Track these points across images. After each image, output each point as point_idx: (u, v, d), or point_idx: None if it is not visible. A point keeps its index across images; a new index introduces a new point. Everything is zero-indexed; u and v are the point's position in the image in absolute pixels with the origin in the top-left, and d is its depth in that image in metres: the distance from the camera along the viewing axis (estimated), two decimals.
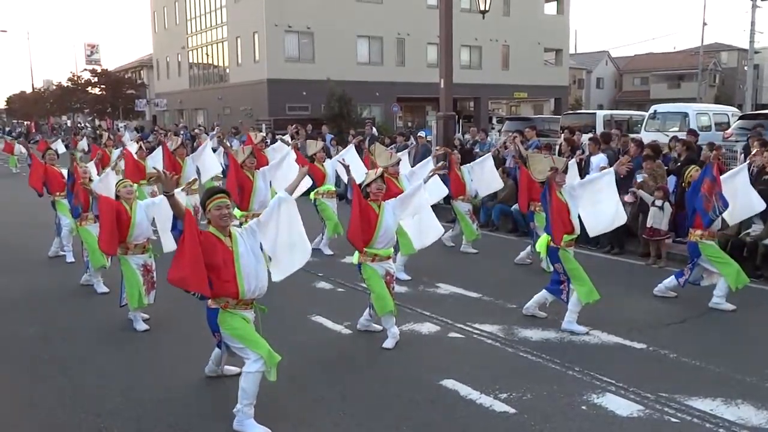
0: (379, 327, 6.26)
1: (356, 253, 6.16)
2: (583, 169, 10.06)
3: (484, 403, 4.87)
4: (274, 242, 4.83)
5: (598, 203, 6.55)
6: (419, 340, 6.24)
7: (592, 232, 6.95)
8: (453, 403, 4.90)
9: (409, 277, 8.22)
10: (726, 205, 6.76)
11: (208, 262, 4.35)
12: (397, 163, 8.54)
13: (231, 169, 8.35)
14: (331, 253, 9.80)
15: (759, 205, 7.25)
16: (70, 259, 9.33)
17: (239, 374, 4.52)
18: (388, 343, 5.93)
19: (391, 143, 16.20)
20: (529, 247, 8.95)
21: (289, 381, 5.27)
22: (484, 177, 10.02)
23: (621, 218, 6.73)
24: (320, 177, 9.76)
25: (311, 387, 5.22)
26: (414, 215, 6.73)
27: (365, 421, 4.65)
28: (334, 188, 10.38)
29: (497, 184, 10.40)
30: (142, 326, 6.50)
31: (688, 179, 7.04)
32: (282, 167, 8.82)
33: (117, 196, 6.68)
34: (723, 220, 7.23)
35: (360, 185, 6.10)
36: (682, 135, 12.72)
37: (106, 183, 7.69)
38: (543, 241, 6.67)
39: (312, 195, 9.89)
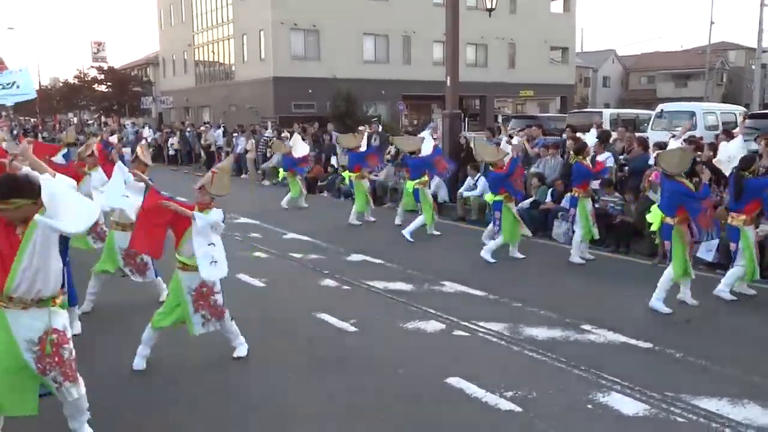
0: None
1: None
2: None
3: (490, 401, 4.86)
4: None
5: None
6: (424, 338, 6.23)
7: None
8: (458, 400, 4.90)
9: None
10: None
11: None
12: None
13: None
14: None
15: None
16: None
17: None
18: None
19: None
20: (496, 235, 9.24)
21: (295, 378, 5.29)
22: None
23: None
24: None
25: (317, 384, 5.23)
26: None
27: (370, 418, 4.65)
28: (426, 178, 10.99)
29: None
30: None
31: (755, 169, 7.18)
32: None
33: None
34: None
35: None
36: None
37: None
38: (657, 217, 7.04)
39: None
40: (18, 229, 3.69)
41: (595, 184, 9.52)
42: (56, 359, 3.83)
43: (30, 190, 3.60)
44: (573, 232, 9.15)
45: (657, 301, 6.84)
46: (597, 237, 9.07)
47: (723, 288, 7.18)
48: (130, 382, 5.23)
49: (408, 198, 11.32)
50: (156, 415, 4.73)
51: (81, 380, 3.99)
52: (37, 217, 3.55)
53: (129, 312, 6.71)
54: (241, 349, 5.67)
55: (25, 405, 3.89)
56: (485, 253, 9.08)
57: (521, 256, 9.26)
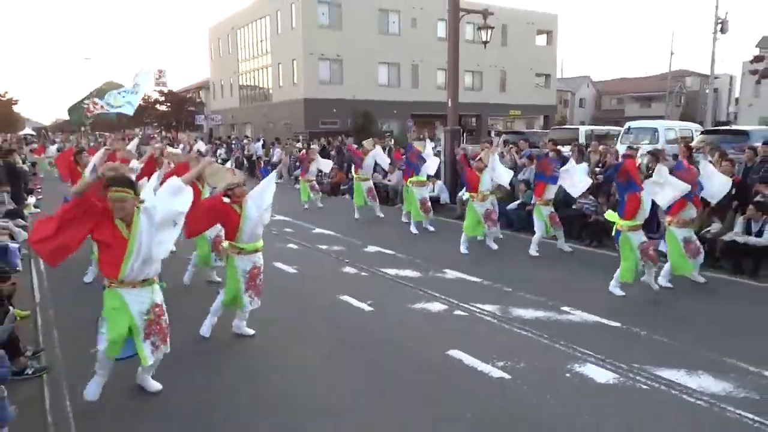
0: None
1: None
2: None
3: (484, 370, 4.84)
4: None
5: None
6: (429, 317, 6.22)
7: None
8: (458, 369, 4.89)
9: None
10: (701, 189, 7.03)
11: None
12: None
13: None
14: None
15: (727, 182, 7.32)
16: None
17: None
18: None
19: (405, 153, 16.23)
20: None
21: (322, 351, 5.30)
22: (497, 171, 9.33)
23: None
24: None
25: (339, 356, 5.23)
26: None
27: (384, 384, 4.64)
28: (425, 178, 10.90)
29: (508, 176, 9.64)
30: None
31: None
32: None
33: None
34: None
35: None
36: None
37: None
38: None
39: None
40: (120, 226, 3.94)
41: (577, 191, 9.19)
42: (157, 327, 4.16)
43: (135, 188, 4.01)
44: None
45: (613, 288, 6.84)
46: (551, 234, 9.05)
47: (661, 279, 7.08)
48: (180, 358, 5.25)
49: (407, 200, 11.22)
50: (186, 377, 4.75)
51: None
52: (140, 205, 3.91)
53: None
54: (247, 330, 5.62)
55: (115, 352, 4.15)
56: (462, 247, 9.10)
57: (495, 247, 9.32)
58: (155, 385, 4.48)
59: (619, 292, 6.80)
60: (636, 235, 6.68)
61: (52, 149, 24.32)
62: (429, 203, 10.86)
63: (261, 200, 5.32)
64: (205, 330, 5.48)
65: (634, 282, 6.75)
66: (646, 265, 6.76)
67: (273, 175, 5.74)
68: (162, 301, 4.25)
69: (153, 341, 4.15)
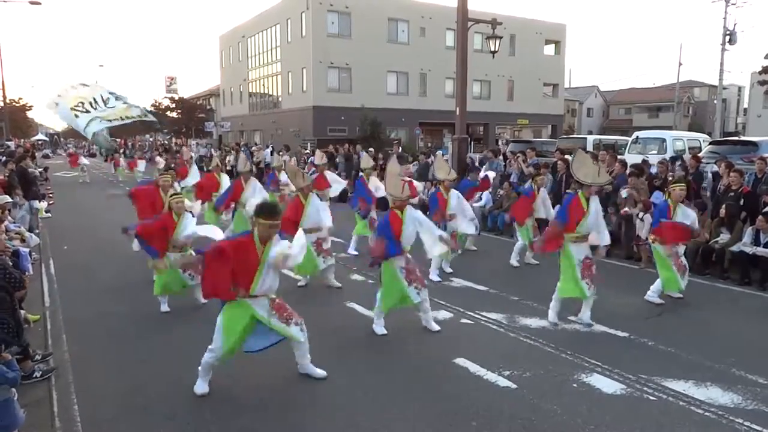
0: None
1: None
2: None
3: (490, 378, 4.82)
4: None
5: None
6: (436, 324, 6.19)
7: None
8: (463, 377, 4.87)
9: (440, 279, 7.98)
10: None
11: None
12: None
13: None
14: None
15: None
16: None
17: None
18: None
19: (414, 161, 16.25)
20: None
21: (331, 357, 5.28)
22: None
23: None
24: None
25: (347, 360, 5.22)
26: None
27: (390, 390, 4.63)
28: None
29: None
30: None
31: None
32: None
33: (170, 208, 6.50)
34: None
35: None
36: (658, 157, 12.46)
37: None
38: None
39: None
40: (259, 248, 4.39)
41: None
42: (283, 308, 4.59)
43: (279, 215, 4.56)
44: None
45: (552, 313, 6.20)
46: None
47: (651, 294, 6.89)
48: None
49: None
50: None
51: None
52: (277, 249, 4.39)
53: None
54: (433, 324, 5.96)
55: (258, 344, 4.62)
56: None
57: (474, 248, 9.46)
58: (320, 372, 4.78)
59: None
60: (578, 247, 6.05)
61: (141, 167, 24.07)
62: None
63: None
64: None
65: (639, 291, 6.70)
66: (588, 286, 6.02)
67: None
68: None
69: (286, 319, 4.57)
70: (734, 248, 7.89)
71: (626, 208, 9.21)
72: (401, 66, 35.65)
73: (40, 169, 21.92)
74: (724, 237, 8.26)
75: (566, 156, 11.56)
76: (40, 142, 56.67)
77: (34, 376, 4.78)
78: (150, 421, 4.16)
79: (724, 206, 8.41)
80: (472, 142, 28.20)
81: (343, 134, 31.69)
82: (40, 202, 14.04)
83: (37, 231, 10.45)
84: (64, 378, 4.86)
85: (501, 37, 15.79)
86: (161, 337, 5.84)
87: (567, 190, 10.05)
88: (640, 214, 8.53)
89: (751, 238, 7.80)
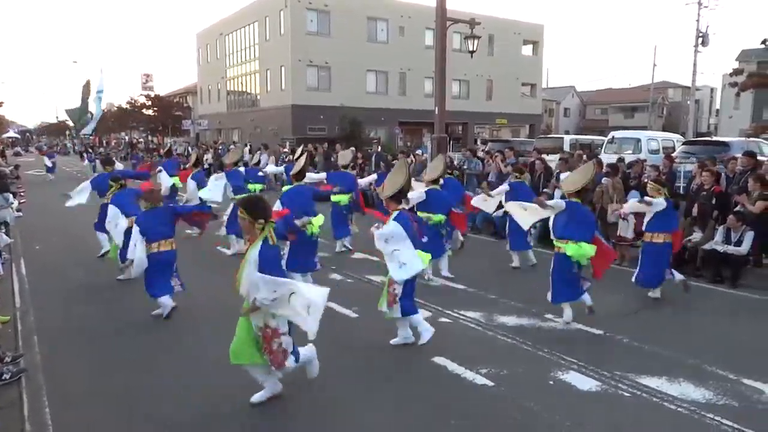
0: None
1: None
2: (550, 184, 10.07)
3: (468, 377, 4.84)
4: None
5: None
6: None
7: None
8: (442, 376, 4.88)
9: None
10: None
11: None
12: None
13: None
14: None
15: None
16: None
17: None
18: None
19: (393, 159, 16.23)
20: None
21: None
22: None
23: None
24: None
25: (322, 361, 5.18)
26: None
27: (370, 390, 4.62)
28: None
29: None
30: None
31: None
32: None
33: None
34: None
35: None
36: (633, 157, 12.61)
37: None
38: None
39: None
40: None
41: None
42: (266, 347, 4.21)
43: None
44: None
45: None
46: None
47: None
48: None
49: None
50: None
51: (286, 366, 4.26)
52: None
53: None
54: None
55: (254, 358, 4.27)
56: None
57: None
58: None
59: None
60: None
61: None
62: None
63: None
64: None
65: (616, 290, 6.79)
66: None
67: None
68: None
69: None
70: (706, 246, 8.04)
71: (617, 209, 9.22)
72: (381, 65, 35.63)
73: (10, 167, 21.42)
74: (697, 236, 8.42)
75: (543, 156, 11.70)
76: (11, 140, 55.40)
77: (3, 378, 4.66)
78: (125, 423, 4.09)
79: (696, 205, 8.57)
80: (451, 142, 28.30)
81: (322, 133, 31.57)
82: (14, 197, 13.70)
83: (5, 229, 10.19)
84: (35, 380, 4.75)
85: (480, 37, 15.86)
86: (134, 337, 5.74)
87: (544, 190, 10.17)
88: (622, 213, 8.61)
89: (722, 237, 7.96)
